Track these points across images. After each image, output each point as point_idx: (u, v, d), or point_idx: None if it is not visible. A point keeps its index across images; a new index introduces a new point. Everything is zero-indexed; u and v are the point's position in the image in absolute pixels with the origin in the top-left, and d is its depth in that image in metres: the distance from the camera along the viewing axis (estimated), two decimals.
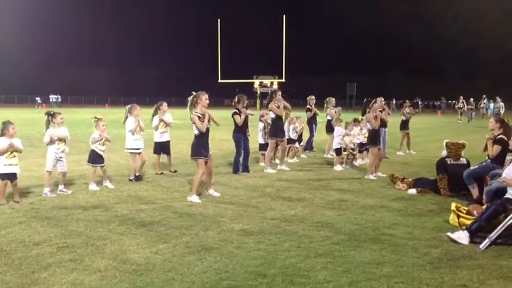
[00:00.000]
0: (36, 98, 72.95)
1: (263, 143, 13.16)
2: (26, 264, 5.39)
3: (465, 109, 39.86)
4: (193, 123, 8.84)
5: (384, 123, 13.02)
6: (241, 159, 11.87)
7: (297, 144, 14.51)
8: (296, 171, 12.51)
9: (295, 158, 14.56)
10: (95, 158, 9.82)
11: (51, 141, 9.05)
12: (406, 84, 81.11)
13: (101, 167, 9.91)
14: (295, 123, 14.08)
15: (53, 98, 73.14)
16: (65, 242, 6.22)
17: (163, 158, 12.10)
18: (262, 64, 74.22)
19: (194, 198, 8.71)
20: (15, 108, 59.50)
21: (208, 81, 59.91)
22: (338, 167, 12.84)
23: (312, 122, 16.53)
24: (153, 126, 11.94)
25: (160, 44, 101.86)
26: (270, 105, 12.27)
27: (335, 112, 15.51)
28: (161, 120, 11.83)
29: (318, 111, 16.64)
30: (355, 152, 13.69)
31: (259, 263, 5.49)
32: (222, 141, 18.09)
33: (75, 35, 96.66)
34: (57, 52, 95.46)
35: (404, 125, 16.88)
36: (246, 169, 11.97)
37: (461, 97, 40.18)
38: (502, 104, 38.09)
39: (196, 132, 8.90)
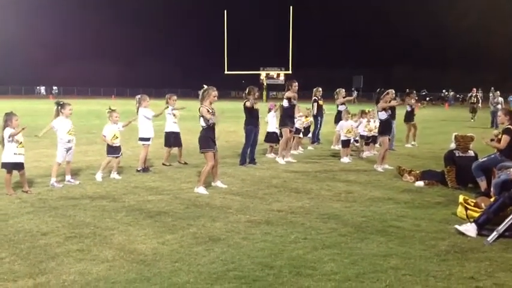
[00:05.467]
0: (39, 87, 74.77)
1: (271, 131, 13.11)
2: (34, 254, 5.41)
3: (479, 105, 31.79)
4: (202, 115, 8.82)
5: (392, 115, 12.92)
6: (248, 150, 11.89)
7: (300, 135, 14.48)
8: (303, 163, 12.50)
9: (300, 148, 14.56)
10: (112, 150, 9.95)
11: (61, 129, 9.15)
12: (413, 76, 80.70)
13: (116, 157, 9.98)
14: (299, 112, 14.00)
15: (40, 89, 74.69)
16: (72, 232, 6.25)
17: (174, 150, 12.08)
18: (269, 56, 74.05)
19: (201, 190, 8.72)
20: (22, 99, 59.71)
21: (215, 72, 59.92)
22: (345, 159, 12.81)
23: (318, 114, 16.46)
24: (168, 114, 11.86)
25: (167, 36, 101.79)
26: (287, 94, 12.24)
27: (353, 97, 15.51)
28: (173, 109, 11.82)
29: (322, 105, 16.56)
30: (358, 144, 13.65)
31: (266, 254, 5.49)
32: (228, 133, 18.11)
33: (81, 26, 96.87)
34: (63, 43, 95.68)
35: (409, 117, 16.74)
36: (252, 161, 11.97)
37: (474, 90, 32.42)
38: (501, 99, 30.51)
39: (203, 124, 8.90)
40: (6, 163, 8.32)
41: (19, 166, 8.45)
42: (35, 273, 4.87)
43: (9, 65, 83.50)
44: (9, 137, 8.20)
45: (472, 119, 30.54)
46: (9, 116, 8.35)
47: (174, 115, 11.77)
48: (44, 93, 79.55)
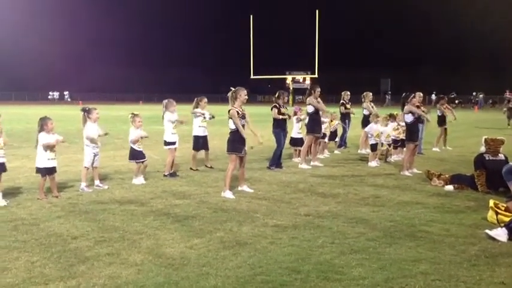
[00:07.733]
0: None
1: (295, 137, 13.08)
2: (65, 258, 5.50)
3: None
4: (231, 117, 8.83)
5: (421, 120, 12.75)
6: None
7: (326, 139, 14.41)
8: (330, 167, 12.44)
9: (326, 152, 14.52)
10: (135, 155, 10.01)
11: (93, 139, 9.28)
12: (442, 78, 79.65)
13: (142, 162, 10.07)
14: (326, 117, 13.97)
15: (54, 95, 75.86)
16: (102, 236, 6.34)
17: (200, 154, 12.13)
18: (295, 60, 73.95)
19: (228, 194, 8.75)
20: (52, 105, 60.81)
21: (241, 77, 59.99)
22: (373, 163, 12.71)
23: (345, 117, 16.39)
24: (195, 115, 11.87)
25: (193, 41, 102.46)
26: (308, 99, 12.20)
27: (372, 107, 15.46)
28: (202, 114, 11.86)
29: (353, 112, 16.51)
30: (390, 148, 13.55)
31: (294, 258, 5.48)
32: (255, 138, 18.08)
33: (109, 33, 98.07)
34: (91, 49, 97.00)
35: (441, 121, 16.57)
36: (279, 165, 11.96)
37: (508, 93, 29.64)
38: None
39: (232, 127, 8.91)
40: (41, 168, 8.47)
41: (52, 171, 8.61)
42: (66, 277, 4.94)
43: (34, 72, 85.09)
44: (46, 147, 8.37)
45: (509, 125, 26.88)
46: (44, 121, 8.51)
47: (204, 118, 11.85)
48: (57, 98, 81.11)
